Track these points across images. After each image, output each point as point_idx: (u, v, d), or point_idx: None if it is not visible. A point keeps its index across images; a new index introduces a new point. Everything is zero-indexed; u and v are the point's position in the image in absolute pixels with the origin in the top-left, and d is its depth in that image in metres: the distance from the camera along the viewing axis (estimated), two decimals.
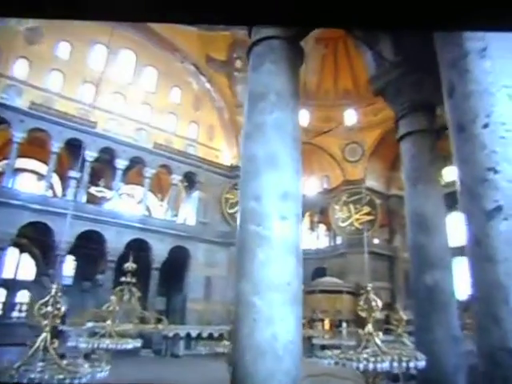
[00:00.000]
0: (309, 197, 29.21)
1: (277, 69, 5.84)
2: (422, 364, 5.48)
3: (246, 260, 4.83)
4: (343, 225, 26.80)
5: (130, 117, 25.52)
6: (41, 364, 4.61)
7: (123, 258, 20.01)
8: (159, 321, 15.84)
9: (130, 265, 11.75)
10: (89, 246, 21.65)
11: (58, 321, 5.62)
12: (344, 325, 21.84)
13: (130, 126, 25.34)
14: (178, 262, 23.44)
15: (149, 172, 23.84)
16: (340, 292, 23.97)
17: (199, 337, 20.95)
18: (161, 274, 22.80)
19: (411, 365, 5.39)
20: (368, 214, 26.07)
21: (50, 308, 5.22)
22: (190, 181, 25.52)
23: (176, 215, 25.71)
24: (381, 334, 6.32)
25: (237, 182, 25.57)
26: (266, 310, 4.48)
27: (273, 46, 6.00)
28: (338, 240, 29.27)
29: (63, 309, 5.44)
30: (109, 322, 9.00)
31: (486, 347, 2.75)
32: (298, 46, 6.29)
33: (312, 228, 30.02)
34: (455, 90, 3.47)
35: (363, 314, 6.35)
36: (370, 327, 6.18)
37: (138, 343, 9.13)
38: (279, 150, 5.27)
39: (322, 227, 31.35)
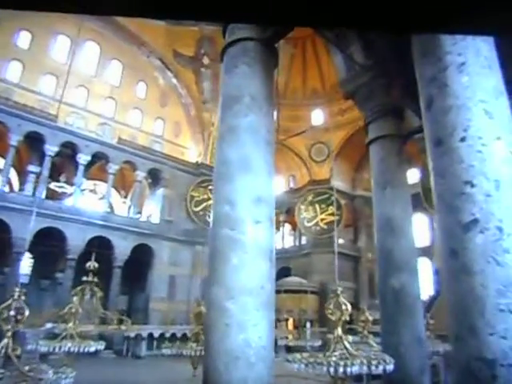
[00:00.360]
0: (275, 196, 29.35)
1: (251, 71, 5.80)
2: (390, 367, 5.62)
3: (219, 264, 4.79)
4: (309, 225, 27.13)
5: (93, 111, 24.89)
6: (1, 371, 4.43)
7: (84, 256, 19.54)
8: (121, 321, 15.57)
9: (92, 264, 11.46)
10: (48, 244, 20.97)
11: (21, 326, 5.41)
12: (308, 325, 22.06)
13: (93, 120, 24.69)
14: (141, 261, 23.07)
15: (112, 168, 23.28)
16: (305, 292, 24.27)
17: (162, 337, 20.71)
18: (123, 273, 22.38)
19: (380, 368, 5.51)
20: (333, 214, 26.47)
21: (12, 312, 5.00)
22: (154, 178, 25.11)
23: (140, 212, 25.28)
24: (350, 337, 6.43)
25: (203, 180, 25.42)
26: (239, 314, 4.46)
27: (247, 48, 5.95)
28: (303, 240, 29.60)
29: (27, 313, 5.24)
30: (71, 324, 8.75)
31: (463, 357, 2.83)
32: (273, 48, 6.27)
33: (277, 227, 30.15)
34: (433, 104, 3.55)
35: (333, 318, 6.45)
36: (339, 331, 6.28)
37: (100, 346, 8.93)
38: (253, 153, 5.26)
39: (288, 227, 31.63)
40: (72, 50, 24.39)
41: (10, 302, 5.07)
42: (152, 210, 25.06)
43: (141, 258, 22.96)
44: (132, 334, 18.96)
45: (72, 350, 8.01)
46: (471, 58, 3.40)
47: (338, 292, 6.59)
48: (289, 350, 18.10)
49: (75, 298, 9.31)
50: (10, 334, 4.92)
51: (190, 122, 27.58)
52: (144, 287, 23.37)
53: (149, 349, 20.11)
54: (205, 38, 24.29)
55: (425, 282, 26.75)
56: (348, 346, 6.06)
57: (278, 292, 23.72)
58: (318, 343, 14.40)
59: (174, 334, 21.16)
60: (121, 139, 23.97)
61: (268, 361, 4.55)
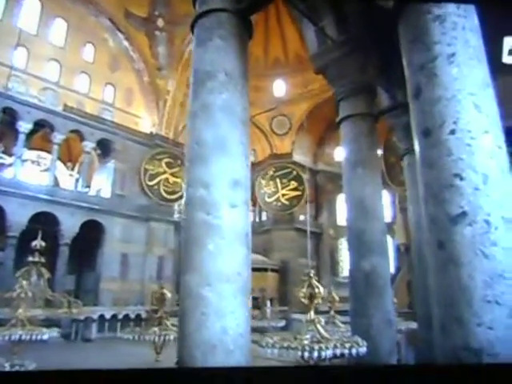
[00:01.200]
0: None
1: (226, 45, 5.76)
2: (363, 350, 5.96)
3: (193, 250, 4.85)
4: (269, 200, 27.42)
5: (34, 74, 23.64)
6: None
7: (27, 233, 18.99)
8: (70, 303, 15.35)
9: (38, 243, 11.26)
10: None
11: None
12: (268, 303, 22.57)
13: (35, 84, 23.47)
14: (90, 238, 22.64)
15: (57, 137, 22.29)
16: (265, 270, 24.66)
17: (114, 318, 20.67)
18: (71, 251, 21.85)
19: (353, 351, 5.85)
20: (295, 189, 26.87)
21: None
22: (104, 149, 24.36)
23: (88, 186, 24.60)
24: (323, 320, 6.74)
25: (158, 152, 25.07)
26: (216, 302, 4.55)
27: (221, 20, 5.89)
28: (264, 216, 29.98)
29: None
30: (20, 310, 8.61)
31: (449, 347, 3.10)
32: (248, 21, 6.25)
33: None
34: (422, 93, 3.74)
35: (305, 301, 6.73)
36: (312, 314, 6.57)
37: (54, 332, 8.87)
38: (229, 134, 5.30)
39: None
40: (8, 4, 23.03)
41: None
42: (102, 183, 24.46)
43: (90, 236, 22.52)
44: (82, 317, 18.72)
45: (24, 338, 7.91)
46: (460, 49, 3.59)
47: (311, 274, 6.87)
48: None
49: (24, 282, 9.14)
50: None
51: (143, 90, 26.69)
52: (94, 266, 22.98)
53: (99, 331, 20.01)
54: None
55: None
56: (321, 329, 6.37)
57: None
58: (282, 323, 14.79)
59: (127, 316, 21.17)
60: (67, 106, 22.94)
61: (245, 348, 4.70)
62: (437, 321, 3.31)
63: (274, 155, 28.63)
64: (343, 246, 29.31)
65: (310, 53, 9.62)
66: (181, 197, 25.90)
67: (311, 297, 6.54)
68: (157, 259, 24.06)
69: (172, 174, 25.31)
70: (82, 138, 23.45)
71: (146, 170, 24.55)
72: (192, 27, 6.27)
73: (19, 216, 20.17)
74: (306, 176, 27.47)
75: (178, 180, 25.42)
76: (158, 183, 24.78)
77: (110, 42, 25.87)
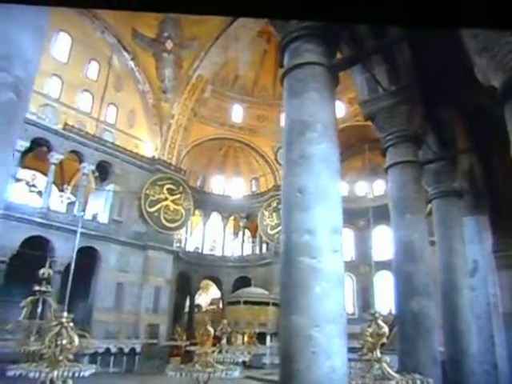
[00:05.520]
0: (234, 199, 30.12)
1: (320, 98, 6.55)
2: None
3: (299, 292, 5.47)
4: (272, 232, 28.05)
5: (34, 89, 23.91)
6: None
7: (17, 258, 19.04)
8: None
9: (46, 271, 11.57)
10: None
11: (71, 356, 5.82)
12: (268, 338, 22.93)
13: (34, 100, 23.64)
14: (84, 265, 22.64)
15: (55, 157, 22.39)
16: (266, 303, 25.06)
17: (107, 352, 20.72)
18: (62, 279, 21.84)
19: None
20: None
21: (64, 341, 5.43)
22: (103, 171, 24.66)
23: (83, 210, 24.77)
24: (388, 358, 7.47)
25: (159, 177, 25.50)
26: (325, 342, 5.18)
27: (316, 73, 6.66)
28: (264, 248, 30.47)
29: (77, 341, 5.65)
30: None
31: None
32: (337, 76, 7.11)
33: (236, 233, 30.82)
34: None
35: (370, 339, 7.45)
36: (378, 352, 7.28)
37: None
38: (328, 183, 6.05)
39: (247, 233, 32.25)
40: None
41: (57, 329, 5.48)
42: (98, 208, 24.65)
43: (84, 263, 22.52)
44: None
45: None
46: None
47: (377, 315, 7.61)
48: (247, 366, 18.97)
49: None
50: (63, 363, 5.39)
51: (146, 112, 27.33)
52: (86, 296, 22.93)
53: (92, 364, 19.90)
54: (169, 20, 24.34)
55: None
56: (387, 367, 7.09)
57: (236, 303, 24.54)
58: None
59: (120, 349, 21.26)
60: (67, 125, 23.16)
61: None
62: None
63: (278, 186, 29.21)
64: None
65: (360, 99, 10.54)
66: (181, 225, 26.29)
67: (377, 336, 7.25)
68: (153, 290, 24.33)
69: (173, 201, 25.78)
70: (80, 160, 23.65)
71: (146, 196, 24.98)
72: (282, 78, 7.10)
73: (10, 240, 19.95)
74: None
75: (179, 208, 25.88)
76: (159, 210, 25.18)
77: (115, 61, 26.47)
